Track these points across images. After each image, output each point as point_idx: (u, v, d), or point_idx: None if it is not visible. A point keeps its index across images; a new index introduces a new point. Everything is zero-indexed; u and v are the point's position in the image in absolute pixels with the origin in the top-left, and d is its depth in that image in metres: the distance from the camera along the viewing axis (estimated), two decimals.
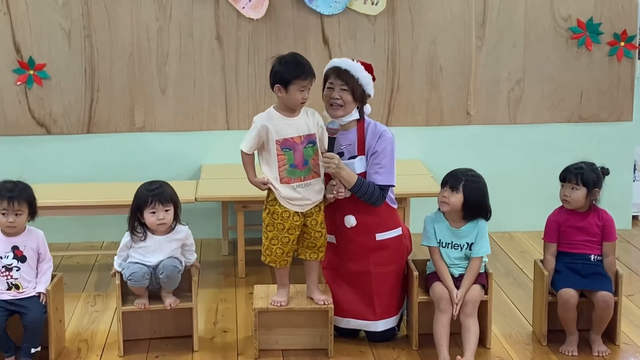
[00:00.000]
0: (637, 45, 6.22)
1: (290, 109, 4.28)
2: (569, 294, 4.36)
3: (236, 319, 4.91)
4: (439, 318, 4.33)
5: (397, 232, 4.54)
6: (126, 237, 4.41)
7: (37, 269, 4.33)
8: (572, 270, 4.46)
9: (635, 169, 6.50)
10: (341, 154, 4.40)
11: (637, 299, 5.13)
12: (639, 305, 5.04)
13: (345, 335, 4.59)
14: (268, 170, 4.29)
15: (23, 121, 5.97)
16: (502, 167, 6.26)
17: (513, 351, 4.49)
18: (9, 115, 5.96)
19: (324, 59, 5.86)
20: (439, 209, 4.43)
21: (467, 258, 4.39)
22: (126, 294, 4.47)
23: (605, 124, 6.32)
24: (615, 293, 4.43)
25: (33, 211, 4.32)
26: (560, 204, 4.54)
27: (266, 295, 4.51)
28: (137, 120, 6.04)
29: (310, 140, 4.30)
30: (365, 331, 4.61)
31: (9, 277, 4.26)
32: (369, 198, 4.38)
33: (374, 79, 4.45)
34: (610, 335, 4.53)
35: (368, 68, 4.42)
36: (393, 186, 4.48)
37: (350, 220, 4.46)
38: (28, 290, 4.27)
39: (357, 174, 4.36)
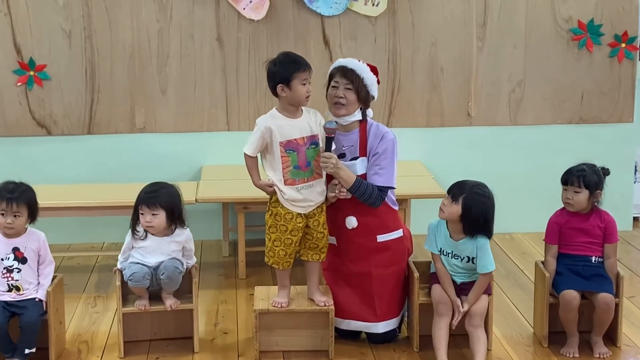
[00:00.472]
0: (638, 46, 6.21)
1: (293, 110, 4.27)
2: (571, 296, 4.36)
3: (237, 320, 4.90)
4: (437, 322, 4.32)
5: (398, 233, 4.53)
6: (128, 237, 4.42)
7: (37, 271, 4.32)
8: (573, 271, 4.45)
9: (636, 171, 6.50)
10: (343, 155, 4.39)
11: (638, 300, 5.12)
12: None
13: (345, 336, 4.58)
14: (272, 173, 4.28)
15: (23, 122, 5.97)
16: (502, 168, 6.25)
17: (514, 353, 4.48)
18: (10, 116, 5.96)
19: (325, 60, 5.88)
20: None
21: (470, 268, 4.34)
22: (126, 295, 4.47)
23: (606, 126, 6.31)
24: (616, 295, 4.42)
25: (33, 214, 4.30)
26: (561, 205, 4.54)
27: (267, 296, 4.51)
28: (138, 121, 6.04)
29: (313, 141, 4.30)
30: (366, 333, 4.60)
31: (10, 278, 4.25)
32: (368, 199, 4.37)
33: (378, 82, 4.43)
34: (611, 337, 4.52)
35: (374, 70, 4.41)
36: (393, 188, 4.46)
37: (352, 222, 4.45)
38: (28, 292, 4.26)
39: (359, 176, 4.36)
